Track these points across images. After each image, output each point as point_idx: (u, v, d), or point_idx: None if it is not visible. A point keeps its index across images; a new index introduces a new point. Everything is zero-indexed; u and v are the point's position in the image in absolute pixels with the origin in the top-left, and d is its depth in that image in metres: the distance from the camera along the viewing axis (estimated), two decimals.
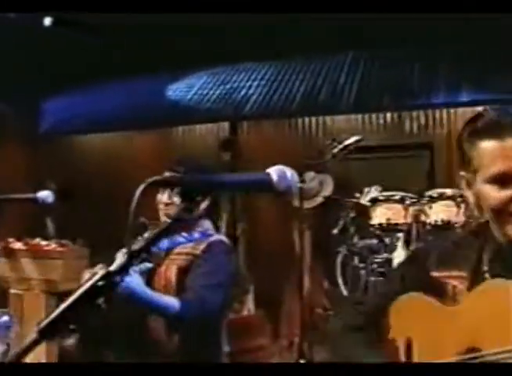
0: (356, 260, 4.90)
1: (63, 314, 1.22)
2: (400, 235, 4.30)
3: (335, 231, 5.01)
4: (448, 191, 4.06)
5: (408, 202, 4.10)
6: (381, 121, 7.03)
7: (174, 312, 2.45)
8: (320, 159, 4.20)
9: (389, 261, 4.51)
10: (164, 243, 2.54)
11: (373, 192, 4.90)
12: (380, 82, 6.58)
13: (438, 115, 6.87)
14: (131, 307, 2.44)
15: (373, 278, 4.55)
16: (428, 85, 6.46)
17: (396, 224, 4.10)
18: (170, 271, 2.57)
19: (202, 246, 2.61)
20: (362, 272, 4.77)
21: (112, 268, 1.27)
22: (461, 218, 3.92)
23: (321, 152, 4.47)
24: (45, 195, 3.08)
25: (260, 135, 7.04)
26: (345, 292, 5.00)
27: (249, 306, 4.98)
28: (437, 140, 6.86)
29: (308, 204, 6.04)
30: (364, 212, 4.77)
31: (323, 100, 6.56)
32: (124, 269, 1.27)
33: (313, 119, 7.11)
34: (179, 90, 7.06)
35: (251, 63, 7.08)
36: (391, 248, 4.50)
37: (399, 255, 4.36)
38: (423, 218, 4.02)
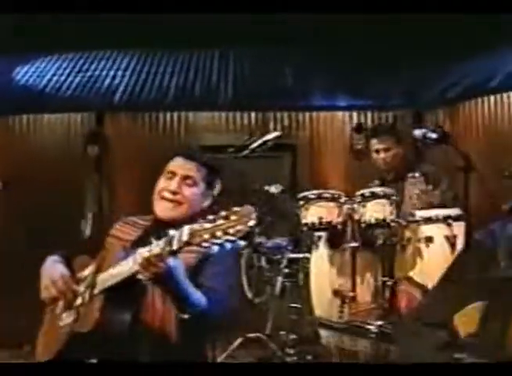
0: (263, 261, 4.71)
1: None
2: (322, 234, 4.19)
3: None
4: (380, 189, 4.04)
5: (342, 200, 4.01)
6: (245, 121, 6.94)
7: (202, 309, 2.26)
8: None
9: (305, 260, 4.40)
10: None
11: (273, 190, 4.78)
12: (251, 81, 6.46)
13: (301, 117, 6.95)
14: None
15: (287, 282, 4.39)
16: (299, 87, 6.48)
17: (329, 222, 3.98)
18: None
19: None
20: (268, 273, 4.60)
21: None
22: (394, 216, 3.91)
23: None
24: None
25: (123, 129, 6.57)
26: (249, 295, 4.79)
27: None
28: (300, 142, 6.94)
29: None
30: (273, 209, 4.63)
31: (197, 95, 6.29)
32: None
33: (175, 114, 6.82)
34: (29, 75, 6.26)
35: (109, 50, 6.53)
36: (307, 247, 4.38)
37: (321, 255, 4.27)
38: (356, 216, 3.95)
